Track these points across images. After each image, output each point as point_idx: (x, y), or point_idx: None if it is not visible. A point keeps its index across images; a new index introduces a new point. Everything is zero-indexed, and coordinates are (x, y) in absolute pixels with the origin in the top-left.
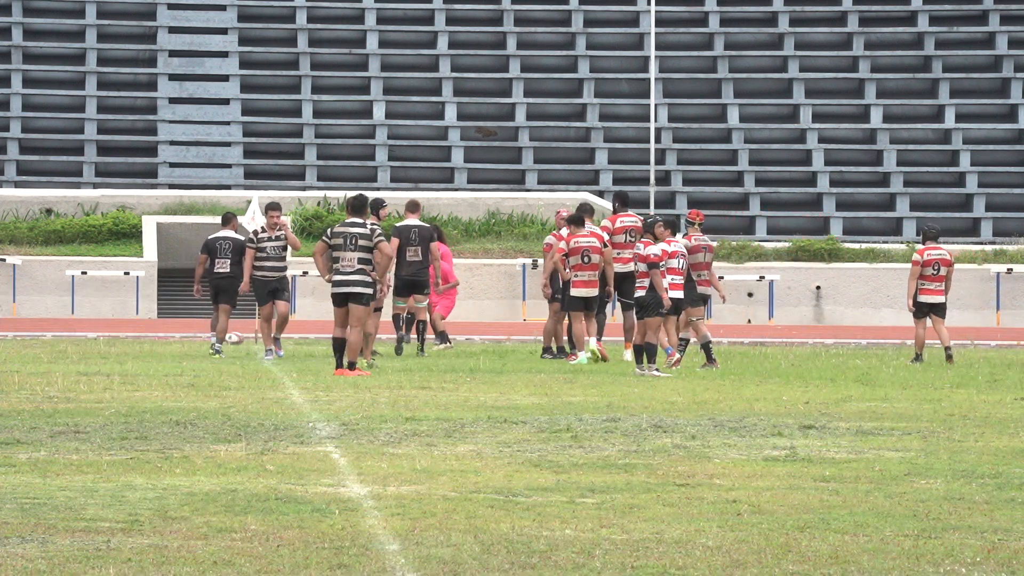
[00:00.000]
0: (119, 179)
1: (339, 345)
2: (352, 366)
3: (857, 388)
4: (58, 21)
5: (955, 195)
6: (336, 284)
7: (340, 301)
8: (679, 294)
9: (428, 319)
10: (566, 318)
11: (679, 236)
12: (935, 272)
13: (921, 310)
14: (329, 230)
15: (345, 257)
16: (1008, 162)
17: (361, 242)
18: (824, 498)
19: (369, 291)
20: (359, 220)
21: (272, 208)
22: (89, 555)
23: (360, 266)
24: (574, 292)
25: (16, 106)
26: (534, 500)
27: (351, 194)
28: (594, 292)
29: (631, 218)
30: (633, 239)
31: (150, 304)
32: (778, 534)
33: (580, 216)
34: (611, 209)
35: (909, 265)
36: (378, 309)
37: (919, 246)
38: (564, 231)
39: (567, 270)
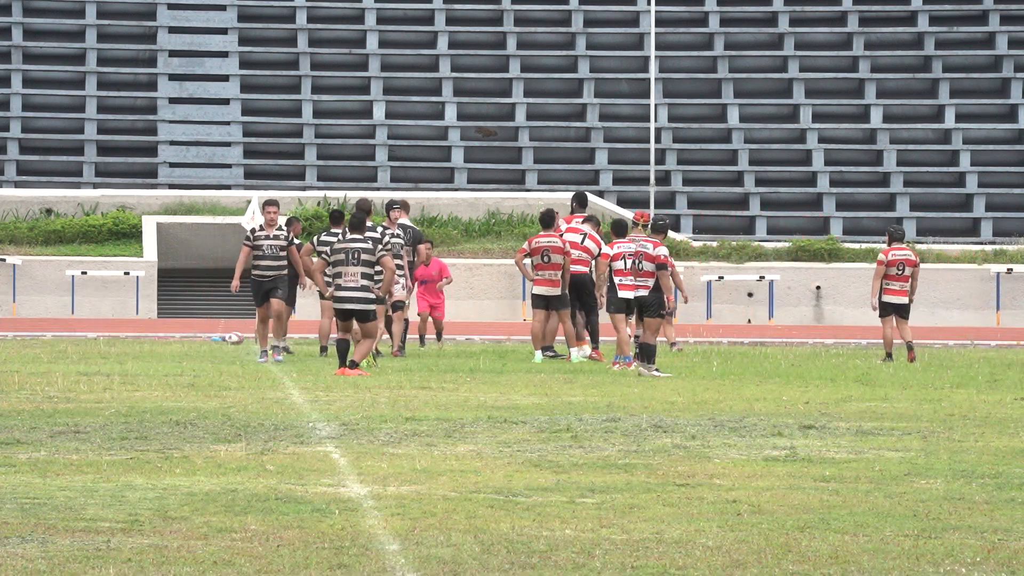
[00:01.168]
0: (119, 179)
1: (343, 346)
2: (354, 365)
3: (857, 388)
4: (58, 21)
5: (955, 195)
6: (339, 300)
7: (344, 316)
8: (632, 294)
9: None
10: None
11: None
12: (899, 272)
13: (886, 310)
14: (329, 248)
15: (348, 272)
16: (1008, 162)
17: (364, 256)
18: (824, 498)
19: (373, 307)
20: (359, 236)
21: (270, 204)
22: (89, 555)
23: (364, 282)
24: (535, 290)
25: (16, 106)
26: (534, 500)
27: (352, 194)
28: (555, 291)
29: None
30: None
31: (150, 304)
32: (778, 534)
33: (548, 215)
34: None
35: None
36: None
37: (883, 247)
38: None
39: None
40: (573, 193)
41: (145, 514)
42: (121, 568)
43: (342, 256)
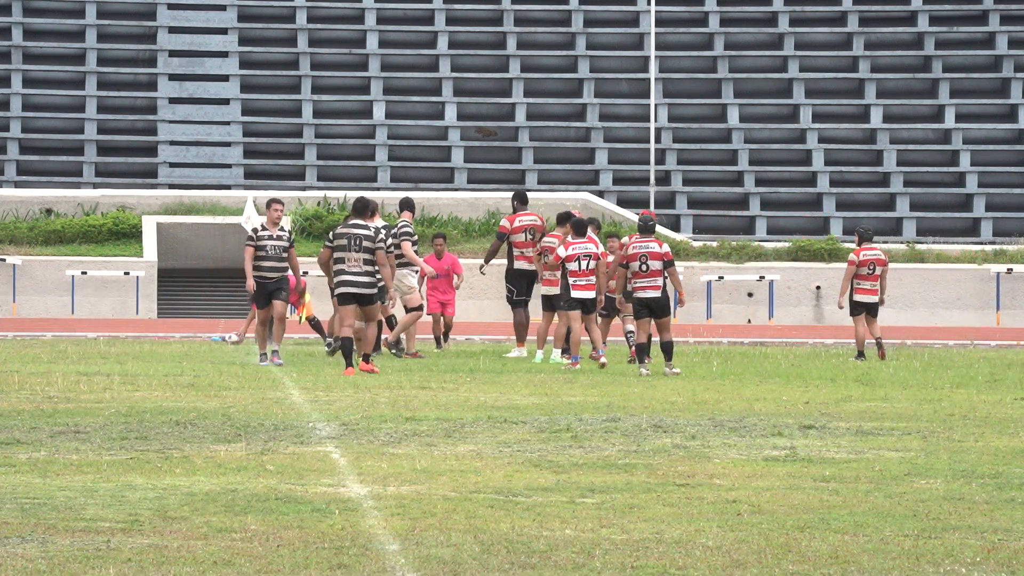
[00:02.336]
0: (119, 179)
1: (348, 345)
2: (367, 358)
3: (857, 388)
4: (58, 21)
5: (955, 195)
6: (341, 284)
7: (347, 300)
8: (591, 294)
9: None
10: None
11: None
12: (870, 272)
13: (858, 308)
14: (331, 233)
15: (350, 258)
16: (1008, 162)
17: (365, 243)
18: (824, 498)
19: (375, 291)
20: (361, 222)
21: (276, 202)
22: (89, 555)
23: (366, 267)
24: (541, 290)
25: (16, 106)
26: (534, 500)
27: (351, 194)
28: (553, 290)
29: (530, 216)
30: (533, 237)
31: (150, 304)
32: (778, 534)
33: (558, 217)
34: (577, 210)
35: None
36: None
37: (855, 247)
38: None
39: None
40: (514, 191)
41: (145, 514)
42: (121, 568)
43: (344, 242)
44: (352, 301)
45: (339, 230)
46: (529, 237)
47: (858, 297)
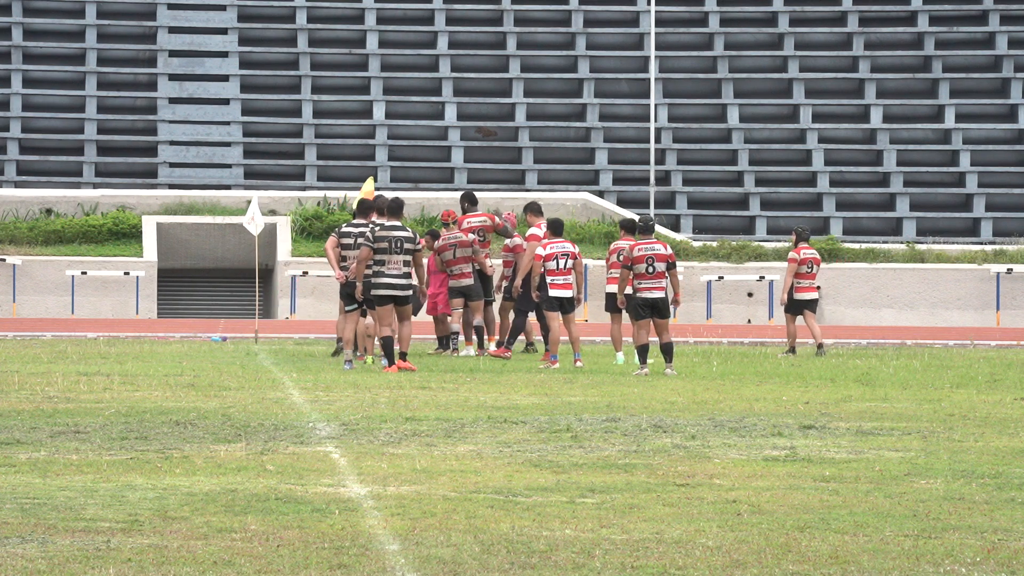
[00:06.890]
0: (119, 179)
1: (388, 343)
2: (404, 356)
3: (857, 388)
4: (58, 21)
5: (955, 195)
6: (383, 287)
7: (386, 301)
8: (569, 293)
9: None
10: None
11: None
12: (809, 270)
13: (797, 306)
14: (371, 233)
15: (391, 260)
16: (1008, 162)
17: (406, 245)
18: (824, 498)
19: (411, 292)
20: (399, 223)
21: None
22: (89, 555)
23: (406, 269)
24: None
25: (16, 106)
26: (534, 500)
27: (352, 194)
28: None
29: (479, 217)
30: (483, 237)
31: (150, 304)
32: (778, 534)
33: (555, 221)
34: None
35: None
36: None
37: (794, 246)
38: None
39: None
40: (463, 192)
41: (145, 514)
42: (121, 568)
43: (385, 244)
44: (390, 302)
45: (379, 233)
46: (480, 238)
47: (799, 295)
